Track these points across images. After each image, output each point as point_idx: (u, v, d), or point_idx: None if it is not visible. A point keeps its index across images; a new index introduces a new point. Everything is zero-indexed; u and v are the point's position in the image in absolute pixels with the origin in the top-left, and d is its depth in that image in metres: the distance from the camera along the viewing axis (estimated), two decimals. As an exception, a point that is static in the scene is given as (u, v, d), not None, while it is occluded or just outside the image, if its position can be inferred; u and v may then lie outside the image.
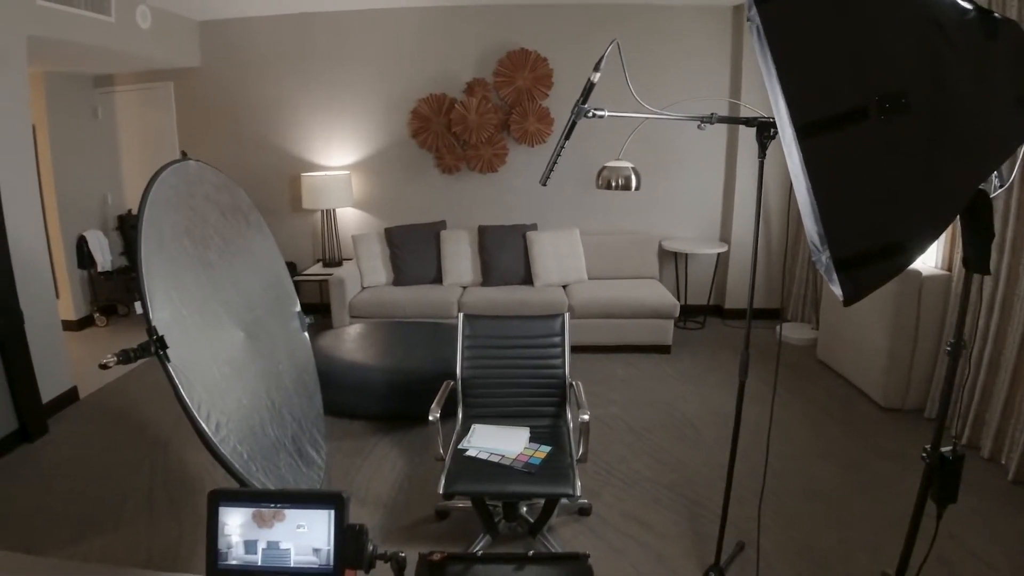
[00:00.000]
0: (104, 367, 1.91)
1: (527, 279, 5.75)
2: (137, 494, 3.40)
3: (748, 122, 2.14)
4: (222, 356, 2.33)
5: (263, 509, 1.14)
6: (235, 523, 1.15)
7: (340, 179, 6.06)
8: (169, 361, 1.97)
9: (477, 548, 2.85)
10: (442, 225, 6.05)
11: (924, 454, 1.82)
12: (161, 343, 1.96)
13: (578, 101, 2.13)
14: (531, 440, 2.91)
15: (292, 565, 1.13)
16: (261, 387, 2.52)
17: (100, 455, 3.83)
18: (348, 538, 1.12)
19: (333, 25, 5.99)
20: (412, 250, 5.82)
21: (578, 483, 2.58)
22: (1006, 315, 3.37)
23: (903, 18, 1.33)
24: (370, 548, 1.13)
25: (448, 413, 2.96)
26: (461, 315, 3.25)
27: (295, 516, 1.14)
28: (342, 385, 4.06)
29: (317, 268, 6.17)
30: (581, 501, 3.12)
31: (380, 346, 4.50)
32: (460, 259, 5.82)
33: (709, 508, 3.14)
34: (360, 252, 5.85)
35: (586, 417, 2.71)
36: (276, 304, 2.95)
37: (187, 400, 1.98)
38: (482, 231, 5.83)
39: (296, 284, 3.34)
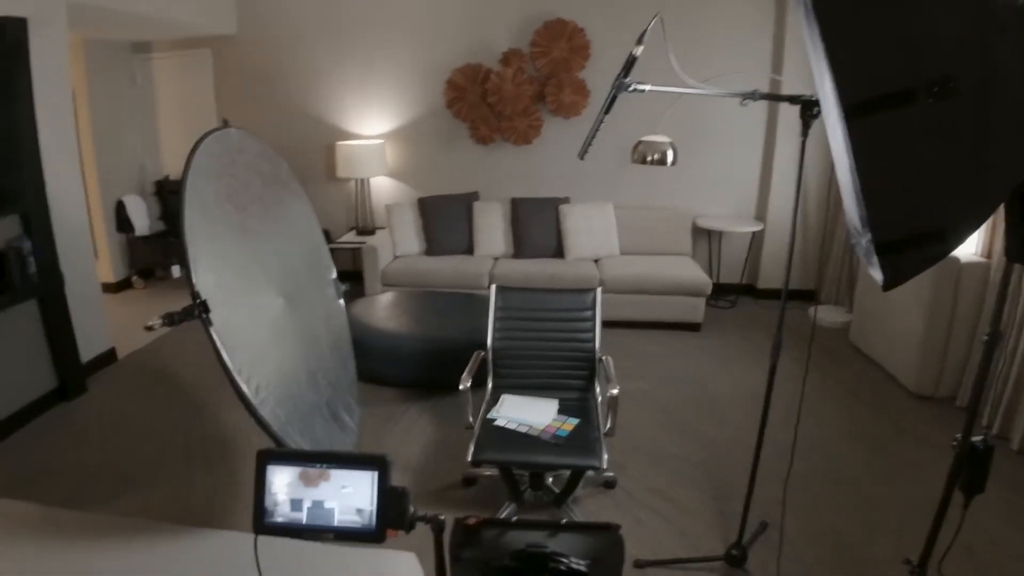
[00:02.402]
0: (149, 329, 1.98)
1: (559, 252, 5.75)
2: (174, 453, 3.51)
3: (792, 100, 2.11)
4: (262, 321, 2.39)
5: (309, 469, 1.19)
6: (282, 482, 1.20)
7: (374, 148, 6.09)
8: (212, 325, 2.03)
9: (503, 515, 2.91)
10: (475, 196, 6.06)
11: (954, 443, 1.81)
12: (204, 307, 2.02)
13: (619, 75, 2.12)
14: (559, 412, 2.94)
15: (336, 524, 1.18)
16: (299, 352, 2.58)
17: (137, 414, 3.95)
18: (390, 500, 1.17)
19: (370, -7, 5.98)
20: (445, 220, 5.85)
21: (604, 456, 2.62)
22: (1046, 304, 3.31)
23: (954, 0, 1.30)
24: (411, 510, 1.18)
25: (478, 383, 3.00)
26: (493, 287, 3.28)
27: (340, 477, 1.19)
28: (374, 352, 4.13)
29: (351, 236, 6.23)
30: (607, 474, 3.16)
31: (412, 315, 4.56)
32: (492, 230, 5.84)
33: (734, 487, 3.15)
34: (393, 221, 5.90)
35: (615, 391, 2.73)
36: (314, 271, 3.00)
37: (229, 363, 2.05)
38: (515, 203, 5.83)
39: (330, 252, 3.39)
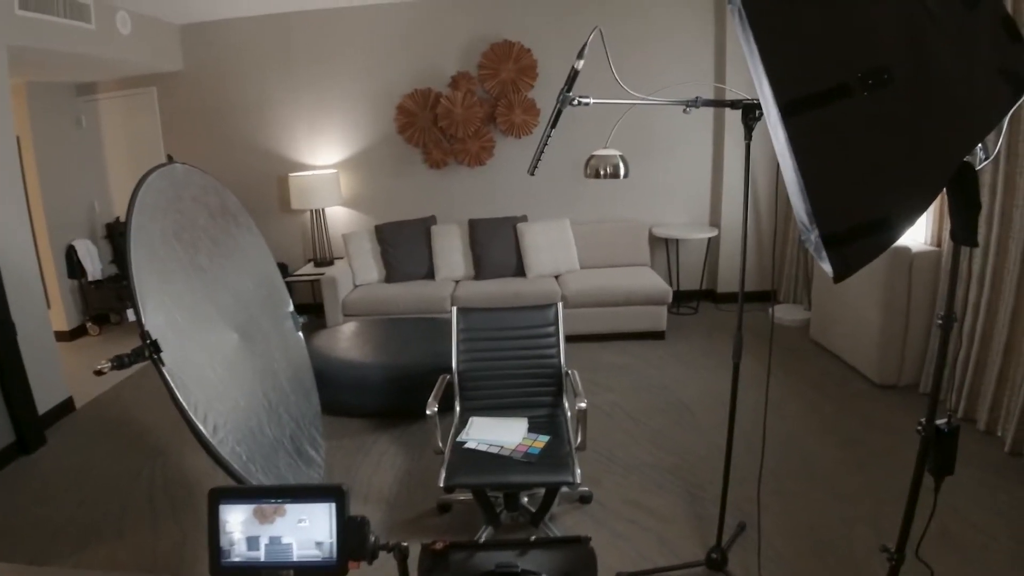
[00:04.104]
0: (99, 373, 1.91)
1: (519, 271, 5.75)
2: (138, 500, 3.39)
3: (733, 105, 2.14)
4: (217, 358, 2.33)
5: (264, 505, 1.14)
6: (236, 520, 1.15)
7: (328, 178, 6.04)
8: (164, 365, 1.97)
9: (480, 539, 2.86)
10: (432, 220, 6.04)
11: (919, 427, 1.83)
12: (155, 347, 1.96)
13: (563, 89, 2.13)
14: (529, 430, 2.91)
15: (295, 559, 1.14)
16: (258, 387, 2.52)
17: (99, 464, 3.82)
18: (350, 530, 1.13)
19: (314, 24, 5.97)
20: (403, 246, 5.81)
21: (578, 471, 2.59)
22: (997, 288, 3.39)
23: (883, -7, 1.33)
24: (372, 539, 1.14)
25: (446, 407, 2.97)
26: (455, 309, 3.25)
27: (296, 511, 1.14)
28: (339, 383, 4.05)
29: (309, 268, 6.15)
30: (582, 489, 3.13)
31: (375, 343, 4.50)
32: (452, 253, 5.82)
33: (709, 491, 3.15)
34: (351, 250, 5.84)
35: (583, 405, 2.72)
36: (268, 304, 2.95)
37: (183, 403, 1.99)
38: (472, 224, 5.82)
39: (288, 285, 3.34)
